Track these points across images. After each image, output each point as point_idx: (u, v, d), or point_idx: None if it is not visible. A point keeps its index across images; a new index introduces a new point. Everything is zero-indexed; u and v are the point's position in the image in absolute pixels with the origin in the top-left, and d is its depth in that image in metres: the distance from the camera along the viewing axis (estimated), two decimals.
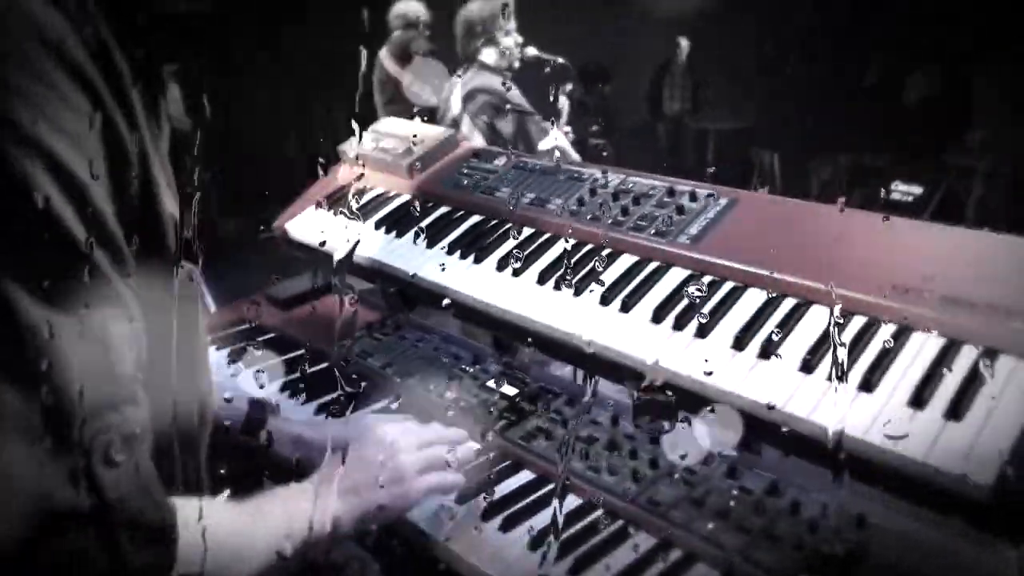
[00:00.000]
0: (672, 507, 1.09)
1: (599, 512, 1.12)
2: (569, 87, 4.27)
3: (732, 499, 1.10)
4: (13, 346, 0.57)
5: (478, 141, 3.68)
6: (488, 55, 3.78)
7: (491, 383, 1.41)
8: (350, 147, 1.73)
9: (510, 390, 1.37)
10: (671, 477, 1.15)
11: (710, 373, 1.00)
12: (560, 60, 4.00)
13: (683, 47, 8.52)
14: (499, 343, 1.58)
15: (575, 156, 3.78)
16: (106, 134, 0.67)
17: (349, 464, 1.01)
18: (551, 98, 4.03)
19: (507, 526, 1.11)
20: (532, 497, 1.16)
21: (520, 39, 4.00)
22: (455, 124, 3.78)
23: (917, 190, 3.79)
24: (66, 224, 0.62)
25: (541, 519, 1.11)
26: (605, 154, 5.00)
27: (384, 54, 4.83)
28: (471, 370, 1.47)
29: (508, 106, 3.65)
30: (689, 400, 1.02)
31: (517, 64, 4.05)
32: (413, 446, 1.09)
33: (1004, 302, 0.93)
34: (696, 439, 1.11)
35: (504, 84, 3.65)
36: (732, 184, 1.30)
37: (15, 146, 0.60)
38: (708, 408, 1.00)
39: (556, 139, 3.60)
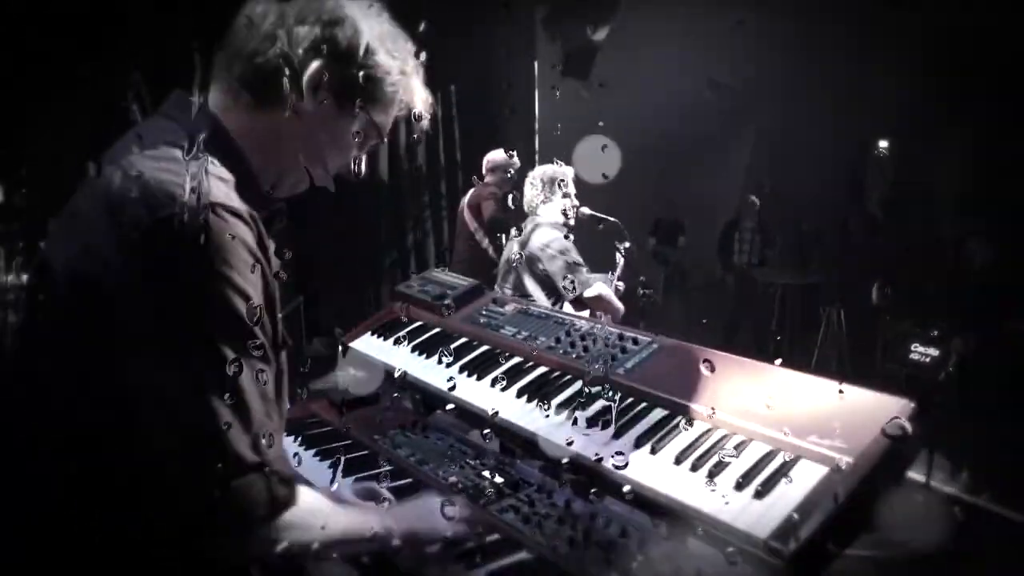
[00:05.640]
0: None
1: None
2: (626, 244, 4.81)
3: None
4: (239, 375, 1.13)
5: (529, 284, 4.24)
6: (547, 212, 4.39)
7: (484, 472, 1.86)
8: (405, 288, 2.29)
9: (497, 478, 1.82)
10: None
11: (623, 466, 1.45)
12: (612, 219, 4.59)
13: (755, 204, 9.02)
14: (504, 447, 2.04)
15: (618, 305, 4.28)
16: (263, 280, 1.22)
17: (398, 510, 1.51)
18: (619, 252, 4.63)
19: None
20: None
21: (577, 202, 4.61)
22: (511, 266, 4.36)
23: (934, 352, 4.06)
24: (245, 319, 1.17)
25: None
26: (652, 301, 5.47)
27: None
28: (472, 462, 1.92)
29: (562, 258, 4.20)
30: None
31: (572, 221, 4.64)
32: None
33: (806, 425, 1.36)
34: None
35: (562, 237, 4.23)
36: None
37: (230, 289, 1.15)
38: None
39: (599, 289, 4.11)
